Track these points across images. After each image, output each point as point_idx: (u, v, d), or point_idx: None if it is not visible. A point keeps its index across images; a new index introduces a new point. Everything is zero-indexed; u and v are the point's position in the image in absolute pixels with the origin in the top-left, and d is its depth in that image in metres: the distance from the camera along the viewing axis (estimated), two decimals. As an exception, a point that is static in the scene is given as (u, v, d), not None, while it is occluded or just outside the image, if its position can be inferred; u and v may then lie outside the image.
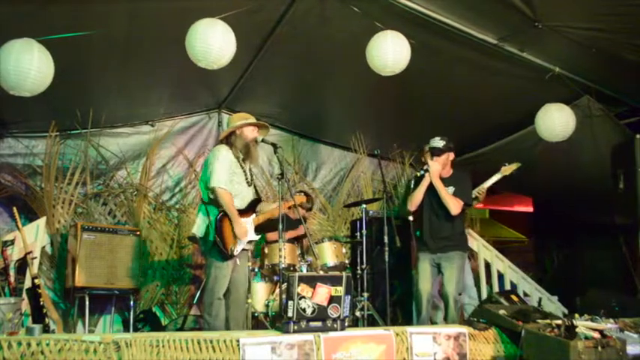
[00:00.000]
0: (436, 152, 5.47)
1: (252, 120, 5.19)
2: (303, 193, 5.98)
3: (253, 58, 6.08)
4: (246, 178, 5.10)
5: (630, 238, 8.20)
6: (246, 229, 4.92)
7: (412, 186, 5.56)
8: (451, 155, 5.54)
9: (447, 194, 5.38)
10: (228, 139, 5.09)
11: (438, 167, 5.44)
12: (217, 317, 4.76)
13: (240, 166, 5.07)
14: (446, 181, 5.45)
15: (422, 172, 5.46)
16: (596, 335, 3.98)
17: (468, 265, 6.83)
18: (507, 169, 6.02)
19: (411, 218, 5.54)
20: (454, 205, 5.36)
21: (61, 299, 6.20)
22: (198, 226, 4.90)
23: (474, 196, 6.06)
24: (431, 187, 5.44)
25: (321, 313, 3.77)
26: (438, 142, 5.49)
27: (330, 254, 6.25)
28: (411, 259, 7.08)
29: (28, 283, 5.36)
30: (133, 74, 5.96)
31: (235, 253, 4.85)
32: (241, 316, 5.05)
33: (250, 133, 5.11)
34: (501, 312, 4.52)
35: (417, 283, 5.52)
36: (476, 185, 6.08)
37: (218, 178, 4.81)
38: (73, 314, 5.99)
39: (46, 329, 4.84)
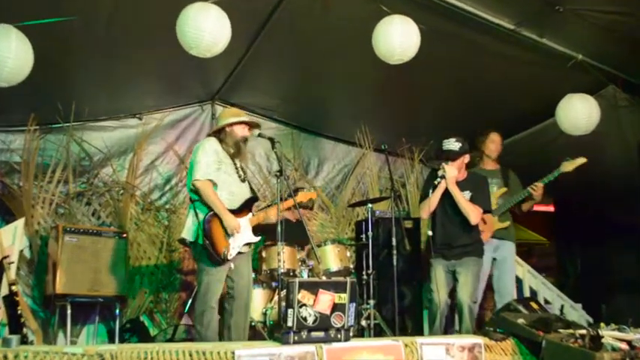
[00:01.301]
0: (452, 156, 5.39)
1: (244, 118, 5.22)
2: (305, 189, 5.99)
3: (249, 45, 6.07)
4: (238, 173, 5.10)
5: (661, 239, 8.19)
6: (237, 222, 4.90)
7: (430, 194, 5.46)
8: (467, 158, 5.49)
9: (466, 202, 5.33)
10: (218, 135, 5.12)
11: (455, 173, 5.36)
12: (209, 327, 4.74)
13: (231, 158, 5.08)
14: (461, 185, 5.41)
15: (438, 179, 5.41)
16: (624, 346, 3.97)
17: (513, 270, 6.68)
18: (569, 165, 5.89)
19: (430, 233, 5.49)
20: (474, 214, 5.32)
21: (41, 307, 6.20)
22: (188, 228, 4.88)
23: (528, 192, 6.04)
24: (445, 193, 5.41)
25: (323, 323, 3.77)
26: (453, 145, 5.40)
27: (333, 258, 6.26)
28: (421, 263, 7.09)
29: (4, 290, 5.34)
30: (119, 63, 5.95)
31: (229, 257, 4.84)
32: (244, 323, 5.07)
33: (241, 131, 5.13)
34: (520, 321, 4.51)
35: (430, 291, 5.51)
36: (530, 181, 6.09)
37: (201, 172, 4.83)
38: (53, 324, 5.99)
39: (24, 340, 4.84)
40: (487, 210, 5.52)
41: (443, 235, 5.43)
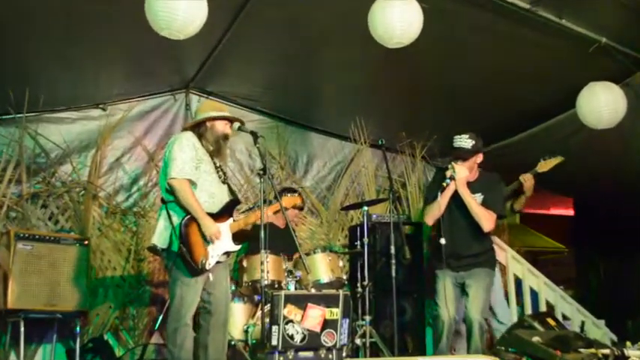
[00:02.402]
0: (463, 155, 5.42)
1: (227, 113, 5.25)
2: (293, 193, 5.99)
3: (229, 25, 6.05)
4: (218, 174, 5.11)
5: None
6: (217, 227, 4.91)
7: (439, 197, 5.46)
8: (479, 157, 5.51)
9: (478, 207, 5.35)
10: (197, 129, 5.13)
11: (465, 174, 5.39)
12: (183, 347, 4.74)
13: (210, 156, 5.08)
14: (472, 187, 5.42)
15: (447, 180, 5.41)
16: (652, 367, 4.00)
17: (499, 281, 6.81)
18: (544, 165, 5.98)
19: (442, 241, 5.47)
20: (487, 220, 5.34)
21: (-10, 325, 6.18)
22: (160, 234, 4.88)
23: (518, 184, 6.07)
24: (453, 195, 5.42)
25: (312, 341, 3.77)
26: (465, 142, 5.43)
27: (323, 268, 6.24)
28: (424, 274, 7.10)
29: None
30: (80, 45, 5.92)
31: (207, 267, 4.83)
32: (222, 341, 5.07)
33: (222, 127, 5.15)
34: (535, 339, 4.53)
35: (436, 306, 5.52)
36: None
37: (179, 170, 4.82)
38: (4, 343, 5.96)
39: (-29, 362, 4.83)
40: (501, 215, 5.53)
41: (450, 243, 5.44)
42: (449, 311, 5.38)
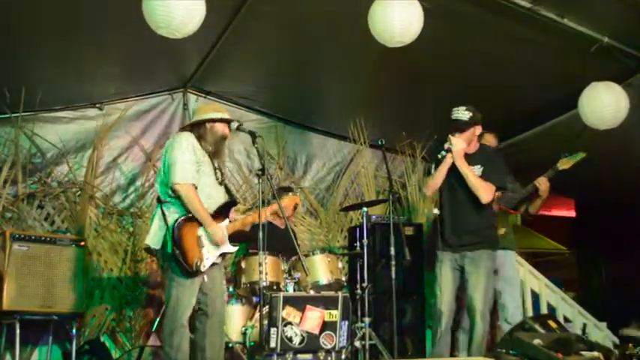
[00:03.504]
0: (460, 126, 5.43)
1: (227, 116, 5.22)
2: (295, 194, 6.00)
3: (227, 24, 6.05)
4: (216, 175, 5.11)
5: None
6: (223, 232, 4.92)
7: (433, 171, 5.50)
8: (478, 129, 5.52)
9: (475, 179, 5.34)
10: (197, 130, 5.12)
11: (462, 146, 5.39)
12: (180, 349, 4.73)
13: (209, 157, 5.08)
14: (471, 159, 5.42)
15: (443, 152, 5.42)
16: (654, 370, 4.00)
17: (518, 277, 6.75)
18: (567, 162, 6.02)
19: (436, 211, 5.49)
20: (484, 191, 5.33)
21: (-15, 326, 6.18)
22: (154, 234, 4.86)
23: (533, 187, 6.08)
24: (452, 169, 5.42)
25: (311, 343, 3.77)
26: (462, 114, 5.44)
27: (322, 269, 6.23)
28: (424, 275, 7.10)
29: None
30: (77, 44, 5.93)
31: (202, 269, 4.82)
32: (220, 343, 5.07)
33: (222, 129, 5.14)
34: (536, 341, 4.53)
35: (435, 292, 5.51)
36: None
37: (183, 174, 4.80)
38: (-1, 345, 5.97)
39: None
40: (501, 187, 5.52)
41: (451, 219, 5.45)
42: (446, 298, 5.37)
